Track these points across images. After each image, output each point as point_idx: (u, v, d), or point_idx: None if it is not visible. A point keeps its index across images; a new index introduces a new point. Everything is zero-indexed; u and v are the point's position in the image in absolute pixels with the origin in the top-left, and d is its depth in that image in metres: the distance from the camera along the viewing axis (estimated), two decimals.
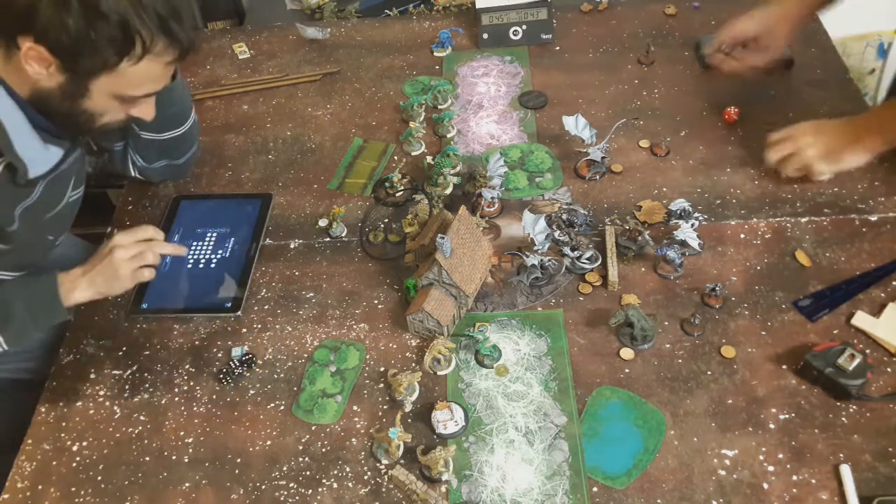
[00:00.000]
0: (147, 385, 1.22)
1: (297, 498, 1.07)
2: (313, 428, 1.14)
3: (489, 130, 1.56)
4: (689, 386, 1.13)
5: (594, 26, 1.77)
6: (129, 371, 1.24)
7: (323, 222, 1.42)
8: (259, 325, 1.28)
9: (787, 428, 1.08)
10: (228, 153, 1.58)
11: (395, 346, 1.23)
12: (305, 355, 1.23)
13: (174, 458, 1.13)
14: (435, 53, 1.75)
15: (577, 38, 1.74)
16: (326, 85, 1.71)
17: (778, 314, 1.20)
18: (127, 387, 1.22)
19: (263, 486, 1.09)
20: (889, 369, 1.12)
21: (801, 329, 1.18)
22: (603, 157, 1.42)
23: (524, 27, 1.72)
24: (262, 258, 1.38)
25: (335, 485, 1.08)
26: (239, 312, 1.29)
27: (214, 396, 1.20)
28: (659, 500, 1.02)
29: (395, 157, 1.53)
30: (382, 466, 1.09)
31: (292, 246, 1.40)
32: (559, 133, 1.50)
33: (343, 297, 1.30)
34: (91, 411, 1.20)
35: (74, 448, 1.15)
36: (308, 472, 1.10)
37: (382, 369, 1.20)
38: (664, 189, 1.40)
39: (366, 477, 1.08)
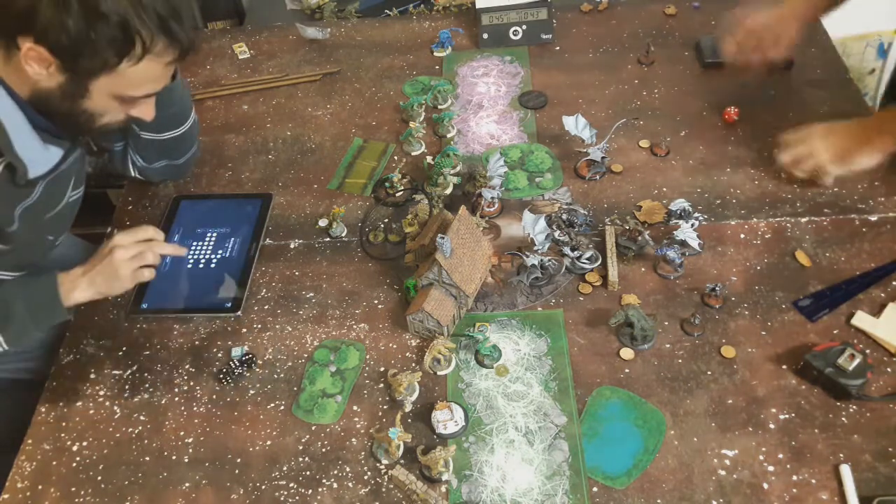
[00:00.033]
0: (147, 385, 1.22)
1: (297, 498, 1.07)
2: (313, 428, 1.14)
3: (489, 130, 1.56)
4: (689, 386, 1.13)
5: (594, 26, 1.77)
6: (129, 371, 1.24)
7: (323, 222, 1.42)
8: (259, 325, 1.28)
9: (787, 428, 1.08)
10: (228, 153, 1.58)
11: (395, 346, 1.23)
12: (305, 355, 1.23)
13: (174, 458, 1.13)
14: (435, 53, 1.75)
15: (577, 38, 1.74)
16: (326, 85, 1.71)
17: (778, 314, 1.20)
18: (127, 387, 1.22)
19: (263, 486, 1.09)
20: (889, 369, 1.12)
21: (801, 329, 1.18)
22: (603, 157, 1.42)
23: (524, 27, 1.72)
24: (262, 258, 1.38)
25: (335, 485, 1.08)
26: (239, 312, 1.29)
27: (214, 396, 1.20)
28: (659, 500, 1.02)
29: (395, 157, 1.53)
30: (382, 466, 1.09)
31: (292, 246, 1.40)
32: (559, 133, 1.50)
33: (343, 297, 1.30)
34: (91, 411, 1.20)
35: (74, 448, 1.15)
36: (308, 472, 1.10)
37: (382, 369, 1.20)
38: (664, 189, 1.40)
39: (366, 477, 1.08)
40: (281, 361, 1.23)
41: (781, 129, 1.42)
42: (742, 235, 1.31)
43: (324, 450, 1.12)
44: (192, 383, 1.22)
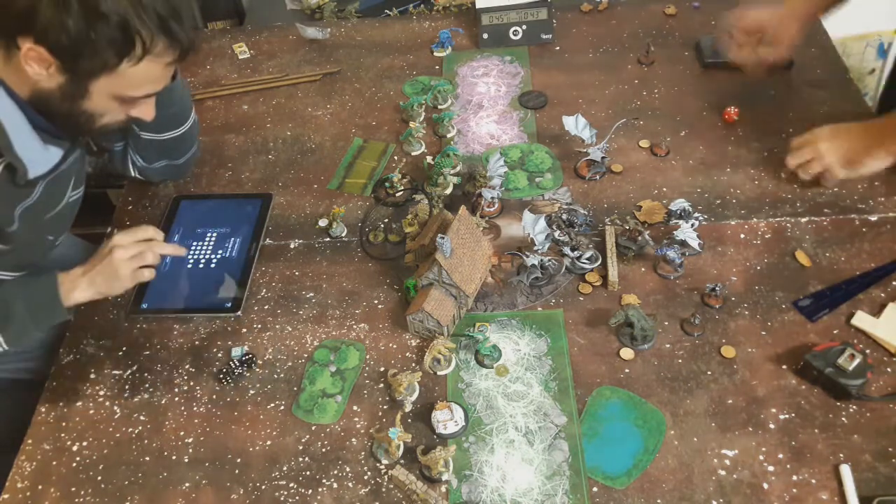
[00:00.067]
0: (147, 385, 1.22)
1: (297, 498, 1.07)
2: (313, 428, 1.14)
3: (489, 130, 1.56)
4: (689, 386, 1.13)
5: (594, 26, 1.77)
6: (129, 371, 1.24)
7: (323, 222, 1.42)
8: (259, 325, 1.28)
9: (787, 428, 1.08)
10: (228, 153, 1.58)
11: (395, 346, 1.23)
12: (305, 355, 1.23)
13: (174, 458, 1.13)
14: (435, 53, 1.75)
15: (577, 38, 1.74)
16: (326, 85, 1.71)
17: (778, 314, 1.20)
18: (127, 387, 1.22)
19: (263, 486, 1.09)
20: (889, 369, 1.12)
21: (801, 329, 1.18)
22: (603, 157, 1.42)
23: (524, 27, 1.72)
24: (262, 258, 1.38)
25: (335, 485, 1.08)
26: (239, 312, 1.29)
27: (214, 396, 1.20)
28: (659, 500, 1.02)
29: (395, 157, 1.53)
30: (382, 466, 1.09)
31: (292, 246, 1.40)
32: (559, 133, 1.50)
33: (343, 297, 1.30)
34: (91, 411, 1.20)
35: (74, 448, 1.15)
36: (308, 472, 1.10)
37: (382, 369, 1.20)
38: (664, 189, 1.40)
39: (366, 477, 1.08)
40: (281, 361, 1.23)
41: (781, 129, 1.42)
42: (742, 235, 1.31)
43: (324, 450, 1.12)
44: (192, 383, 1.22)
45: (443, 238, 1.15)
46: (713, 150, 1.46)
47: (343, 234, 1.40)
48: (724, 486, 1.03)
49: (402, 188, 1.45)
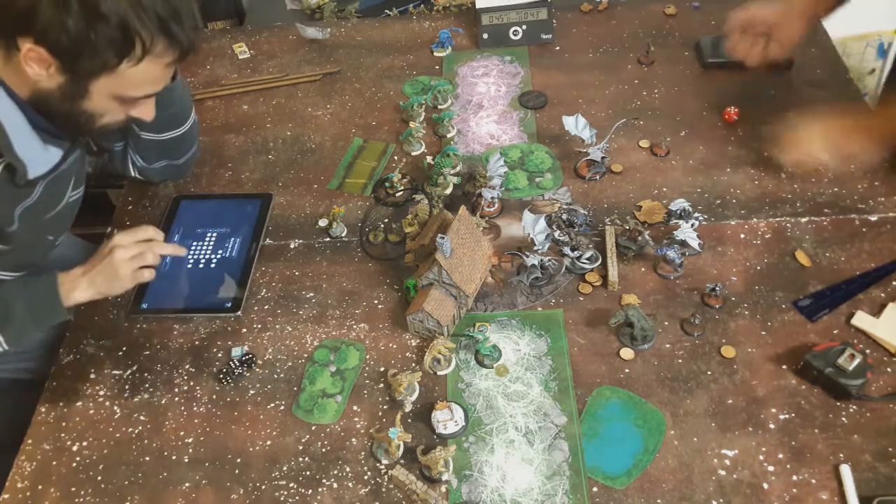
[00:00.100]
0: (147, 385, 1.22)
1: (297, 498, 1.07)
2: (313, 428, 1.14)
3: (489, 130, 1.56)
4: (689, 386, 1.13)
5: (594, 26, 1.77)
6: (129, 371, 1.24)
7: (323, 222, 1.42)
8: (259, 325, 1.28)
9: (787, 428, 1.08)
10: (228, 153, 1.58)
11: (395, 346, 1.23)
12: (305, 355, 1.23)
13: (174, 458, 1.13)
14: (435, 53, 1.75)
15: (577, 38, 1.74)
16: (326, 85, 1.71)
17: (778, 314, 1.20)
18: (127, 387, 1.22)
19: (263, 486, 1.09)
20: (889, 369, 1.12)
21: (801, 329, 1.18)
22: (603, 157, 1.42)
23: (524, 27, 1.72)
24: (262, 258, 1.38)
25: (335, 485, 1.08)
26: (239, 312, 1.29)
27: (214, 396, 1.20)
28: (659, 500, 1.02)
29: (395, 157, 1.53)
30: (382, 466, 1.09)
31: (292, 246, 1.40)
32: (559, 133, 1.50)
33: (343, 297, 1.30)
34: (91, 411, 1.20)
35: (74, 448, 1.15)
36: (308, 472, 1.10)
37: (382, 369, 1.20)
38: (664, 189, 1.40)
39: (366, 477, 1.08)
40: (281, 361, 1.23)
41: (781, 130, 1.42)
42: (742, 235, 1.31)
43: (324, 450, 1.12)
44: (192, 383, 1.22)
45: (443, 238, 1.15)
46: (713, 150, 1.46)
47: (343, 234, 1.40)
48: (724, 486, 1.03)
49: (402, 188, 1.45)
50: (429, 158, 1.46)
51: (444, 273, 1.16)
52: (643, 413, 1.11)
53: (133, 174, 1.45)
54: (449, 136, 1.55)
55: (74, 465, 1.14)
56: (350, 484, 1.08)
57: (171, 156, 1.42)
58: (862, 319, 1.17)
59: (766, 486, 1.02)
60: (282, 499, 1.07)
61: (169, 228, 1.43)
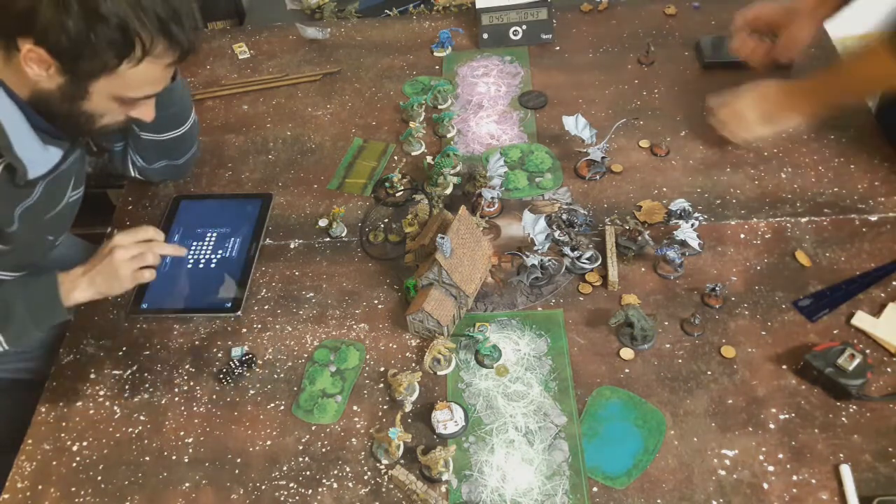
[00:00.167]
0: (147, 385, 1.22)
1: (297, 498, 1.07)
2: (313, 428, 1.14)
3: (489, 130, 1.56)
4: (689, 386, 1.13)
5: (594, 26, 1.77)
6: (129, 371, 1.24)
7: (323, 222, 1.42)
8: (259, 325, 1.28)
9: (787, 428, 1.08)
10: (228, 153, 1.58)
11: (395, 346, 1.23)
12: (305, 355, 1.23)
13: (174, 458, 1.13)
14: (435, 53, 1.75)
15: (577, 38, 1.74)
16: (326, 85, 1.71)
17: (778, 314, 1.20)
18: (127, 387, 1.22)
19: (263, 486, 1.09)
20: (889, 369, 1.12)
21: (801, 329, 1.18)
22: (603, 157, 1.42)
23: (524, 27, 1.72)
24: (262, 258, 1.38)
25: (335, 485, 1.08)
26: (239, 312, 1.29)
27: (214, 396, 1.20)
28: (659, 500, 1.02)
29: (395, 157, 1.53)
30: (382, 466, 1.09)
31: (292, 246, 1.40)
32: (559, 133, 1.50)
33: (343, 297, 1.30)
34: (91, 411, 1.20)
35: (74, 448, 1.16)
36: (308, 472, 1.10)
37: (382, 369, 1.20)
38: (664, 189, 1.40)
39: (366, 477, 1.08)
40: (281, 361, 1.23)
41: (782, 129, 1.42)
42: (742, 235, 1.31)
43: (324, 450, 1.12)
44: (192, 383, 1.22)
45: (443, 238, 1.15)
46: (713, 150, 1.46)
47: (343, 234, 1.40)
48: (724, 486, 1.03)
49: (402, 188, 1.45)
50: (429, 158, 1.46)
51: (444, 273, 1.16)
52: (643, 413, 1.11)
53: (133, 174, 1.45)
54: (449, 136, 1.55)
55: (74, 465, 1.14)
56: (350, 484, 1.08)
57: (171, 156, 1.42)
58: (862, 319, 1.17)
59: (766, 486, 1.02)
60: (282, 499, 1.07)
61: (169, 228, 1.43)
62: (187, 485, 1.10)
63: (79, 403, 1.21)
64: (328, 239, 1.40)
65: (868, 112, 1.50)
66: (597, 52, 1.70)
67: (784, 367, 1.14)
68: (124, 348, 1.27)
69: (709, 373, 1.14)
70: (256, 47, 1.82)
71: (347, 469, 1.09)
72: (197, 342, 1.27)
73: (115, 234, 1.15)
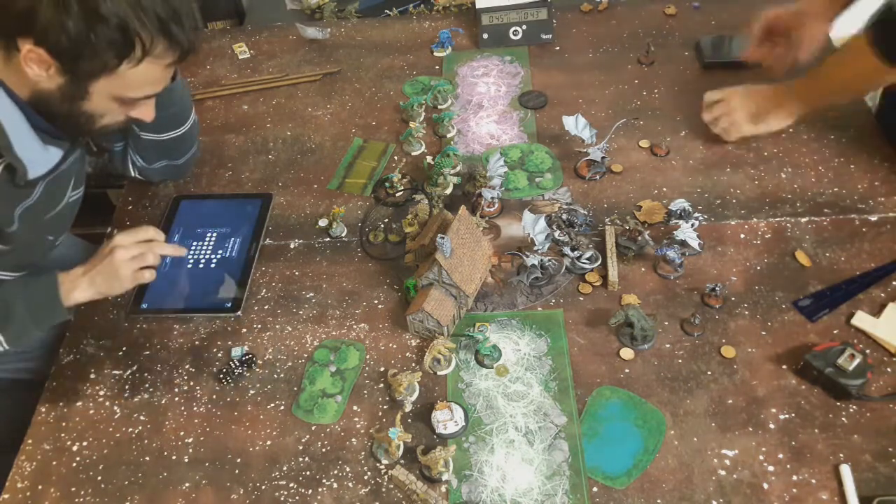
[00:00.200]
0: (147, 385, 1.22)
1: (297, 498, 1.07)
2: (313, 428, 1.14)
3: (489, 130, 1.56)
4: (689, 386, 1.13)
5: (594, 26, 1.77)
6: (129, 371, 1.24)
7: (323, 222, 1.42)
8: (259, 325, 1.28)
9: (787, 428, 1.08)
10: (228, 153, 1.58)
11: (395, 346, 1.23)
12: (305, 355, 1.23)
13: (174, 458, 1.13)
14: (435, 53, 1.75)
15: (577, 38, 1.74)
16: (326, 85, 1.71)
17: (778, 314, 1.20)
18: (127, 387, 1.22)
19: (263, 486, 1.09)
20: (889, 369, 1.12)
21: (801, 329, 1.18)
22: (603, 157, 1.42)
23: (524, 27, 1.72)
24: (262, 258, 1.38)
25: (335, 485, 1.08)
26: (239, 312, 1.29)
27: (214, 396, 1.20)
28: (659, 500, 1.02)
29: (395, 157, 1.53)
30: (382, 466, 1.09)
31: (292, 246, 1.40)
32: (559, 133, 1.50)
33: (343, 297, 1.30)
34: (91, 411, 1.20)
35: (74, 448, 1.16)
36: (308, 472, 1.10)
37: (382, 369, 1.20)
38: (664, 189, 1.40)
39: (366, 477, 1.08)
40: (281, 361, 1.23)
41: (782, 130, 1.42)
42: (742, 235, 1.31)
43: (324, 450, 1.12)
44: (192, 383, 1.22)
45: (443, 238, 1.15)
46: (713, 150, 1.46)
47: (343, 234, 1.40)
48: (724, 486, 1.03)
49: (402, 188, 1.45)
50: (429, 158, 1.46)
51: (444, 273, 1.16)
52: (643, 413, 1.11)
53: (133, 174, 1.45)
54: (449, 136, 1.55)
55: (74, 465, 1.14)
56: (350, 484, 1.08)
57: (171, 156, 1.42)
58: (862, 319, 1.17)
59: (766, 486, 1.02)
60: (282, 499, 1.07)
61: (169, 228, 1.43)
62: (187, 485, 1.10)
63: (79, 403, 1.21)
64: (328, 239, 1.40)
65: (868, 112, 1.50)
66: (597, 52, 1.70)
67: (784, 367, 1.14)
68: (124, 348, 1.27)
69: (709, 373, 1.14)
70: (256, 47, 1.82)
71: (347, 469, 1.09)
72: (197, 342, 1.27)
73: (115, 234, 1.15)
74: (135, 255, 1.12)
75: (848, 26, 1.37)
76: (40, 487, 1.12)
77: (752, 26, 1.46)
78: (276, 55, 1.80)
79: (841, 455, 1.04)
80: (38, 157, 1.09)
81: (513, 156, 1.48)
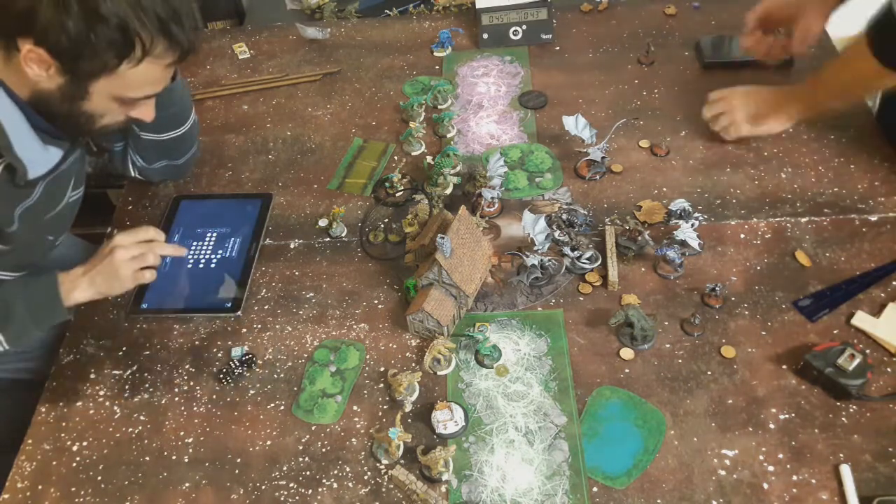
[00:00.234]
0: (147, 385, 1.22)
1: (297, 498, 1.07)
2: (313, 428, 1.14)
3: (489, 130, 1.56)
4: (689, 386, 1.13)
5: (594, 26, 1.77)
6: (129, 371, 1.24)
7: (323, 222, 1.42)
8: (259, 325, 1.28)
9: (787, 428, 1.08)
10: (228, 153, 1.58)
11: (395, 346, 1.23)
12: (305, 355, 1.23)
13: (174, 458, 1.13)
14: (435, 53, 1.75)
15: (577, 38, 1.74)
16: (326, 85, 1.71)
17: (778, 314, 1.20)
18: (127, 387, 1.22)
19: (263, 486, 1.09)
20: (889, 369, 1.12)
21: (801, 329, 1.18)
22: (603, 157, 1.42)
23: (524, 27, 1.72)
24: (262, 258, 1.38)
25: (335, 485, 1.08)
26: (239, 312, 1.29)
27: (214, 396, 1.20)
28: (659, 500, 1.02)
29: (395, 157, 1.53)
30: (382, 466, 1.09)
31: (292, 246, 1.40)
32: (559, 133, 1.50)
33: (343, 297, 1.30)
34: (91, 411, 1.20)
35: (74, 448, 1.16)
36: (308, 472, 1.10)
37: (382, 369, 1.20)
38: (664, 189, 1.40)
39: (366, 477, 1.08)
40: (281, 361, 1.23)
41: (782, 129, 1.42)
42: (742, 235, 1.31)
43: (324, 450, 1.12)
44: (192, 383, 1.22)
45: (443, 238, 1.15)
46: (713, 150, 1.46)
47: (343, 234, 1.40)
48: (724, 486, 1.03)
49: (402, 188, 1.45)
50: (429, 158, 1.46)
51: (444, 273, 1.16)
52: (643, 413, 1.11)
53: (133, 174, 1.45)
54: (449, 136, 1.55)
55: (74, 465, 1.14)
56: (350, 484, 1.08)
57: (171, 156, 1.42)
58: (862, 319, 1.17)
59: (766, 486, 1.02)
60: (282, 499, 1.07)
61: (169, 228, 1.43)
62: (187, 485, 1.10)
63: (79, 403, 1.21)
64: (328, 239, 1.40)
65: (868, 112, 1.50)
66: (597, 52, 1.70)
67: (784, 367, 1.14)
68: (124, 348, 1.27)
69: (709, 373, 1.14)
70: (256, 47, 1.82)
71: (347, 469, 1.09)
72: (197, 342, 1.27)
73: (115, 234, 1.15)
74: (135, 255, 1.12)
75: (846, 24, 1.37)
76: (40, 487, 1.12)
77: (746, 23, 1.47)
78: (276, 55, 1.80)
79: (841, 455, 1.04)
80: (38, 157, 1.09)
81: (513, 156, 1.48)
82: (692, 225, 1.25)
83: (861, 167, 1.39)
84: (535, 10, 1.70)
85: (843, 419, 1.08)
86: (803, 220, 1.32)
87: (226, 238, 1.41)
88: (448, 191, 1.44)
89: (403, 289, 1.28)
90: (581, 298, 1.25)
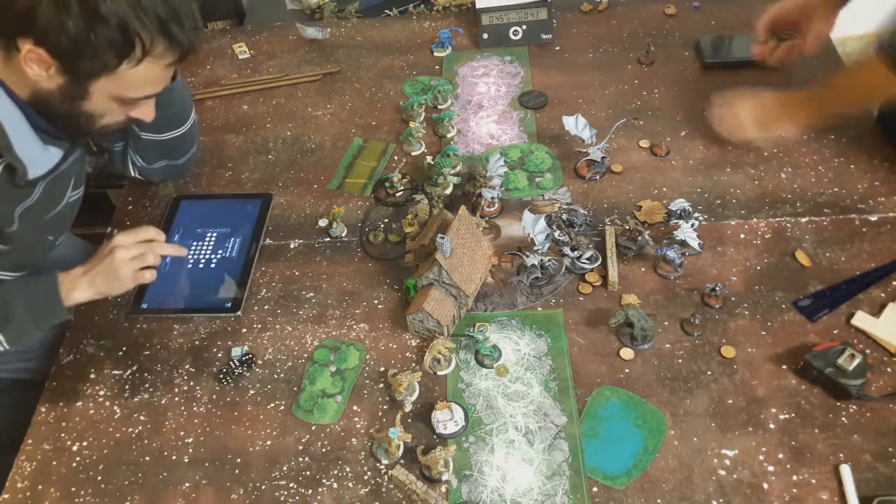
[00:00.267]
0: (147, 385, 1.22)
1: (297, 498, 1.07)
2: (313, 428, 1.14)
3: (489, 130, 1.56)
4: (689, 386, 1.13)
5: (594, 26, 1.77)
6: (129, 371, 1.24)
7: (323, 222, 1.42)
8: (259, 325, 1.28)
9: (787, 428, 1.08)
10: (228, 153, 1.58)
11: (395, 346, 1.23)
12: (305, 355, 1.23)
13: (174, 458, 1.13)
14: (435, 53, 1.75)
15: (577, 38, 1.74)
16: (326, 85, 1.71)
17: (778, 314, 1.20)
18: (127, 387, 1.22)
19: (263, 486, 1.09)
20: (889, 369, 1.12)
21: (801, 329, 1.18)
22: (603, 157, 1.42)
23: (524, 27, 1.72)
24: (262, 258, 1.38)
25: (335, 485, 1.08)
26: (239, 312, 1.29)
27: (214, 396, 1.20)
28: (659, 500, 1.02)
29: (395, 157, 1.53)
30: (382, 466, 1.09)
31: (292, 246, 1.40)
32: (559, 133, 1.50)
33: (343, 297, 1.30)
34: (91, 411, 1.20)
35: (74, 448, 1.16)
36: (308, 472, 1.10)
37: (382, 369, 1.20)
38: (664, 189, 1.40)
39: (366, 477, 1.08)
40: (281, 361, 1.23)
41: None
42: (742, 235, 1.31)
43: (324, 450, 1.12)
44: (192, 383, 1.22)
45: (443, 238, 1.15)
46: (713, 150, 1.46)
47: (343, 234, 1.40)
48: (724, 486, 1.03)
49: (402, 188, 1.45)
50: (429, 158, 1.46)
51: (444, 273, 1.16)
52: (643, 413, 1.11)
53: (133, 174, 1.45)
54: (449, 136, 1.55)
55: (74, 465, 1.14)
56: (350, 484, 1.08)
57: (171, 156, 1.42)
58: (862, 319, 1.17)
59: (766, 486, 1.02)
60: (282, 499, 1.07)
61: (169, 228, 1.43)
62: (187, 485, 1.10)
63: (79, 403, 1.21)
64: (328, 239, 1.40)
65: (868, 112, 1.49)
66: (597, 52, 1.70)
67: (784, 367, 1.14)
68: (124, 348, 1.27)
69: (709, 373, 1.14)
70: (256, 47, 1.82)
71: (347, 469, 1.10)
72: (197, 342, 1.27)
73: (115, 234, 1.15)
74: (135, 255, 1.12)
75: (848, 26, 1.37)
76: (40, 487, 1.12)
77: (756, 24, 1.46)
78: (276, 55, 1.80)
79: (841, 455, 1.04)
80: (38, 157, 1.09)
81: (513, 156, 1.48)
82: (692, 225, 1.25)
83: (861, 167, 1.39)
84: (535, 10, 1.70)
85: (843, 419, 1.08)
86: (803, 220, 1.32)
87: (226, 238, 1.41)
88: (448, 191, 1.44)
89: (403, 289, 1.28)
90: (581, 298, 1.25)
